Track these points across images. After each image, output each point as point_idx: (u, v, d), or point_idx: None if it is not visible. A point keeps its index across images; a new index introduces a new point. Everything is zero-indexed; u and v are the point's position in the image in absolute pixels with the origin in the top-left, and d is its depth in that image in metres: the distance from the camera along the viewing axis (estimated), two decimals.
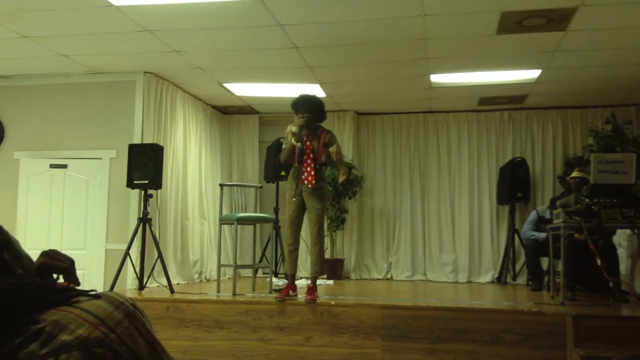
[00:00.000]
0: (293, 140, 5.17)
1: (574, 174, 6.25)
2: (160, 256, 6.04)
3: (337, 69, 6.68)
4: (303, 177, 5.17)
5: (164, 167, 6.45)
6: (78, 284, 1.05)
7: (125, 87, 6.83)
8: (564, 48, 5.89)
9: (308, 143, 5.17)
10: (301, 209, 5.25)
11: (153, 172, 6.04)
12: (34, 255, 1.12)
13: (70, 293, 0.89)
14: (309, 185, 5.13)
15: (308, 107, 5.14)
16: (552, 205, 6.46)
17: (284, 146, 5.50)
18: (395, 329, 4.75)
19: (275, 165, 7.49)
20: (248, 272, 8.53)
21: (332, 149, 5.18)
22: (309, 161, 5.15)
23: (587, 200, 4.95)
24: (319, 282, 7.46)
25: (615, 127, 7.24)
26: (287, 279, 5.46)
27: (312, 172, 5.11)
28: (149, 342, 0.90)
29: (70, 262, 1.10)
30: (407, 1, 4.82)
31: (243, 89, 7.63)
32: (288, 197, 5.28)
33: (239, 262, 5.90)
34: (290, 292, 5.28)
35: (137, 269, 6.10)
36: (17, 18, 5.24)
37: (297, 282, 6.71)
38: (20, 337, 0.80)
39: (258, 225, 7.38)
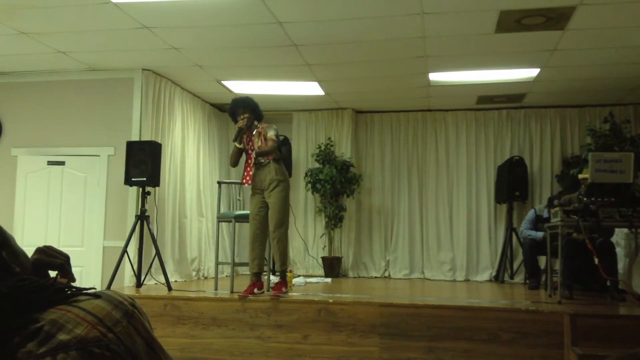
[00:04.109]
0: (236, 143, 5.33)
1: (585, 174, 6.15)
2: (158, 254, 6.04)
3: (335, 66, 6.68)
4: (242, 176, 5.35)
5: (162, 164, 6.45)
6: (73, 280, 1.05)
7: (124, 84, 6.81)
8: (563, 47, 5.89)
9: (251, 144, 5.29)
10: (262, 205, 5.30)
11: (151, 170, 6.03)
12: (31, 252, 1.12)
13: (70, 292, 0.89)
14: (246, 185, 5.31)
15: (246, 107, 5.29)
16: (550, 204, 6.46)
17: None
18: (393, 327, 4.76)
19: None
20: (246, 270, 8.52)
21: (268, 135, 5.23)
22: (249, 161, 5.31)
23: (585, 199, 4.95)
24: (316, 280, 7.49)
25: (613, 126, 7.25)
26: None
27: (251, 172, 5.28)
28: (147, 341, 0.89)
29: (65, 258, 1.09)
30: None
31: (241, 87, 7.62)
32: (250, 195, 5.41)
33: (236, 260, 5.89)
34: (255, 290, 5.27)
35: (135, 267, 6.09)
36: (15, 15, 5.23)
37: (295, 280, 6.73)
38: (18, 336, 0.80)
39: None
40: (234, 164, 5.49)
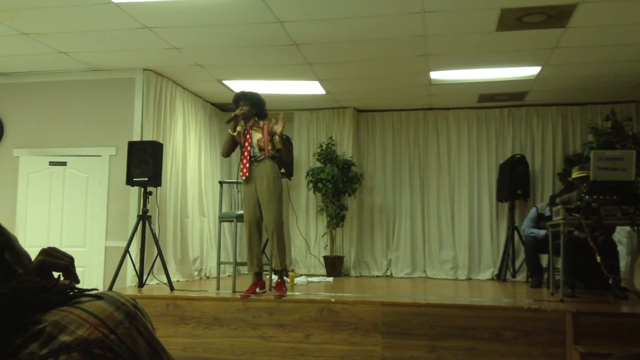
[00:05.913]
0: (230, 131, 5.31)
1: (576, 174, 6.15)
2: (160, 253, 6.04)
3: (336, 65, 6.67)
4: (239, 169, 5.32)
5: (163, 164, 6.45)
6: (77, 281, 1.05)
7: (125, 84, 6.82)
8: (564, 45, 5.88)
9: (248, 136, 5.27)
10: (256, 205, 5.27)
11: (152, 170, 6.04)
12: (33, 252, 1.12)
13: (72, 293, 0.89)
14: (243, 177, 5.26)
15: (248, 99, 5.31)
16: (552, 202, 6.46)
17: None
18: (395, 326, 4.76)
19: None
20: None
21: (276, 136, 5.22)
22: (245, 153, 5.28)
23: (586, 197, 4.95)
24: (318, 279, 7.49)
25: (615, 124, 7.24)
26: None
27: (247, 165, 5.25)
28: (149, 342, 0.89)
29: (70, 260, 1.09)
30: None
31: (242, 86, 7.59)
32: (243, 195, 5.38)
33: (238, 260, 5.89)
34: (257, 289, 5.27)
35: (137, 267, 6.10)
36: (16, 15, 5.23)
37: (297, 279, 6.73)
38: (20, 337, 0.80)
39: None
40: (226, 153, 5.48)
